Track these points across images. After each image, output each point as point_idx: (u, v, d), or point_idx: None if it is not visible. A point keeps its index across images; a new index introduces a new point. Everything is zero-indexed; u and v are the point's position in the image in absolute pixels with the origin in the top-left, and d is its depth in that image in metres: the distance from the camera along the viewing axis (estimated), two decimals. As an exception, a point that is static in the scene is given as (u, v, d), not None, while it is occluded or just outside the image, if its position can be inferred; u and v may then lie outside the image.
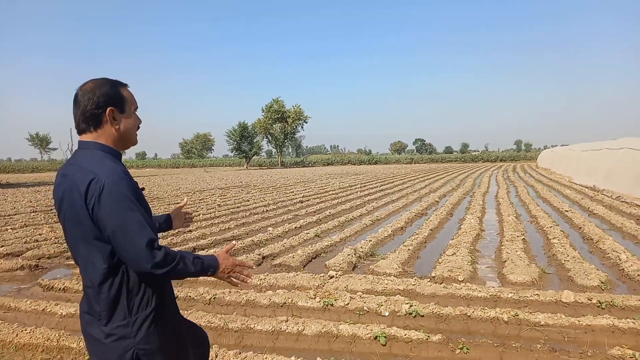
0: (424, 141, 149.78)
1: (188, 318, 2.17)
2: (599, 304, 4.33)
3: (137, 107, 1.80)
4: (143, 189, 1.88)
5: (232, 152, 67.55)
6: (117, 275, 1.62)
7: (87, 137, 1.69)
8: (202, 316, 4.32)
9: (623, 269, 5.63)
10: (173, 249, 1.74)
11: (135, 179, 1.72)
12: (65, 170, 1.67)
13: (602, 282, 5.05)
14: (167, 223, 2.23)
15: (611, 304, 4.31)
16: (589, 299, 4.43)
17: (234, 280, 1.85)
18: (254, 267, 1.93)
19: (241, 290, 5.06)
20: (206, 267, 1.73)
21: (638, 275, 5.26)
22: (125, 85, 1.78)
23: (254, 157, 72.24)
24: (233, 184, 25.27)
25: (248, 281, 1.88)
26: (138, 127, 1.82)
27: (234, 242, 2.01)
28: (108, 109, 1.67)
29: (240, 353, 3.51)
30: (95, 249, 1.60)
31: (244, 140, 64.14)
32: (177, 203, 14.90)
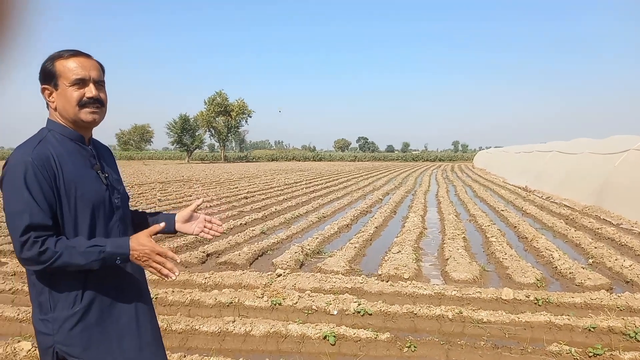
0: (367, 139, 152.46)
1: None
2: (536, 301, 4.54)
3: (77, 79, 1.51)
4: (101, 167, 1.65)
5: (172, 145, 65.35)
6: None
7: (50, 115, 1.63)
8: (143, 318, 4.09)
9: (556, 267, 5.95)
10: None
11: None
12: None
13: (537, 280, 5.31)
14: (167, 224, 1.81)
15: (547, 301, 4.53)
16: (526, 296, 4.63)
17: (153, 271, 1.55)
18: (177, 260, 1.60)
19: (185, 290, 4.86)
20: (109, 255, 1.48)
21: (570, 273, 5.57)
22: (67, 55, 1.54)
23: (195, 151, 70.44)
24: (174, 178, 24.47)
25: (172, 277, 1.56)
26: (82, 102, 1.52)
27: (162, 224, 1.73)
28: (41, 88, 1.58)
29: (185, 356, 3.36)
30: None
31: (185, 133, 62.28)
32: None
